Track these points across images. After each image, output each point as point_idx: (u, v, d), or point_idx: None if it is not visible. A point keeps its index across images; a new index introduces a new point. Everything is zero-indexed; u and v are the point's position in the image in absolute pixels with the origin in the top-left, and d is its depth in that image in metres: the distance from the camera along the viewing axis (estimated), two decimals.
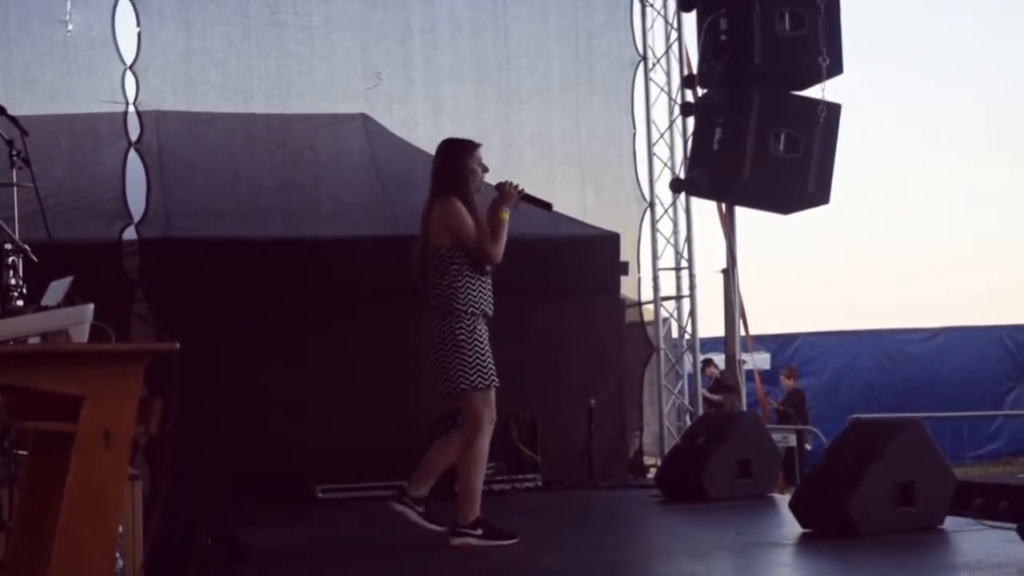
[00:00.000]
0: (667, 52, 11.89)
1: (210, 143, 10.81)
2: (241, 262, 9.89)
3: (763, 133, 10.18)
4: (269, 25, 10.99)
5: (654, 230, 11.81)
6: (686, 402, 11.77)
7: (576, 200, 11.56)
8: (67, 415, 3.79)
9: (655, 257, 11.80)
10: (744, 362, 11.98)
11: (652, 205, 11.87)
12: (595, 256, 11.00)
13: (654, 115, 11.95)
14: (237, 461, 9.42)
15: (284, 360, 9.82)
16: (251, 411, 9.60)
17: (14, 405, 4.58)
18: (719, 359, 13.64)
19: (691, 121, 11.22)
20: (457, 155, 6.86)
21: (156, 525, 4.43)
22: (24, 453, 4.88)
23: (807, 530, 6.99)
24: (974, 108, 31.84)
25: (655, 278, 11.79)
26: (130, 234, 9.98)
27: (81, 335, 3.92)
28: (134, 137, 10.41)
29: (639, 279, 11.83)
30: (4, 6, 10.32)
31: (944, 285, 30.38)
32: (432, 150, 7.15)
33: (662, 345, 11.75)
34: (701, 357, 12.36)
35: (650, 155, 11.94)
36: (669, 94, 11.88)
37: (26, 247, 6.23)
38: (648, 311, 11.88)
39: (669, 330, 11.95)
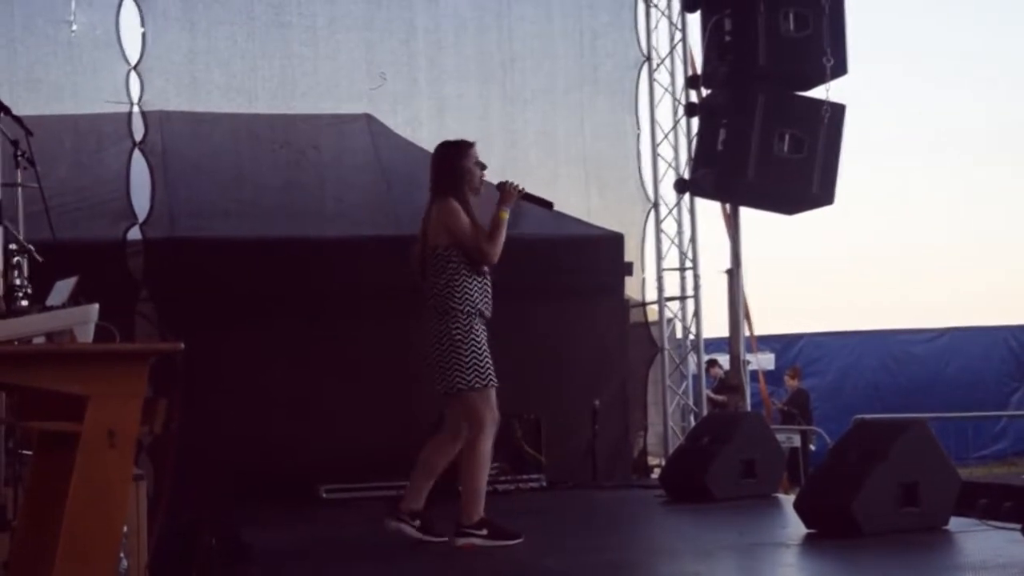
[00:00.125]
0: (671, 52, 11.89)
1: (214, 143, 10.82)
2: (245, 262, 9.89)
3: (767, 133, 10.18)
4: (273, 25, 11.00)
5: (658, 230, 11.81)
6: (690, 402, 11.76)
7: (580, 200, 11.57)
8: (71, 415, 3.79)
9: (659, 257, 11.80)
10: (748, 362, 11.99)
11: (656, 205, 11.86)
12: (599, 256, 11.00)
13: (658, 115, 11.96)
14: (241, 461, 9.42)
15: (288, 360, 9.83)
16: (255, 411, 9.60)
17: (19, 405, 4.59)
18: (723, 359, 13.66)
19: (695, 121, 11.22)
20: (453, 156, 6.88)
21: (160, 525, 4.43)
22: (29, 453, 4.88)
23: (811, 530, 6.98)
24: (976, 108, 31.83)
25: (659, 278, 11.79)
26: (134, 234, 10.00)
27: (86, 335, 3.92)
28: (138, 137, 10.42)
29: (643, 279, 11.83)
30: (9, 6, 10.33)
31: (948, 285, 30.37)
32: (440, 142, 7.17)
33: (666, 345, 11.75)
34: (705, 357, 12.37)
35: (654, 155, 11.93)
36: (673, 94, 11.88)
37: (31, 247, 6.24)
38: (652, 311, 11.88)
39: (673, 330, 11.95)
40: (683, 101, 11.69)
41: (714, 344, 13.78)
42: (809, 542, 6.83)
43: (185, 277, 9.77)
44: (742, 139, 10.25)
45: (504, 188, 6.87)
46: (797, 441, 13.45)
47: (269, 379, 9.71)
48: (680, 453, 9.70)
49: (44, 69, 10.46)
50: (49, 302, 4.40)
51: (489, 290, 6.82)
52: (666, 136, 11.90)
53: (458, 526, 6.68)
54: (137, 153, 10.39)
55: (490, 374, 6.68)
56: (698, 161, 10.93)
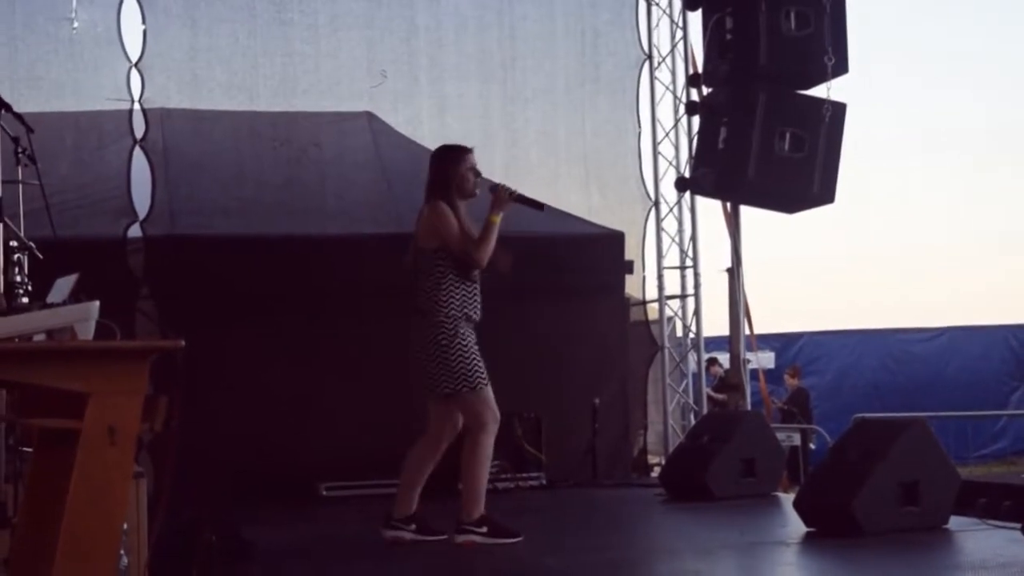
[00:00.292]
0: (672, 51, 11.89)
1: (215, 141, 10.82)
2: (246, 260, 9.90)
3: (768, 132, 10.18)
4: (275, 23, 11.00)
5: (659, 229, 11.81)
6: (690, 401, 11.77)
7: (581, 199, 11.58)
8: (72, 412, 3.79)
9: (660, 256, 11.80)
10: (748, 361, 11.99)
11: (657, 204, 11.86)
12: (600, 255, 11.00)
13: (659, 114, 11.96)
14: (241, 459, 9.43)
15: (289, 357, 9.83)
16: (256, 408, 9.60)
17: (19, 402, 4.59)
18: (723, 358, 13.66)
19: (696, 120, 11.21)
20: (447, 161, 6.89)
21: (161, 523, 4.43)
22: (29, 450, 4.88)
23: (811, 529, 6.99)
24: (977, 108, 31.86)
25: (660, 277, 11.79)
26: (135, 231, 10.00)
27: (86, 332, 3.92)
28: (139, 135, 10.42)
29: (644, 278, 11.82)
30: (10, 3, 10.33)
31: (948, 285, 30.41)
32: (439, 145, 7.18)
33: (666, 344, 11.75)
34: (705, 356, 12.37)
35: (655, 154, 11.93)
36: (674, 93, 11.88)
37: (31, 244, 6.25)
38: (653, 310, 11.89)
39: (674, 329, 11.95)
40: (684, 99, 11.69)
41: (714, 343, 13.79)
42: (809, 541, 6.83)
43: (186, 275, 9.77)
44: (743, 138, 10.24)
45: (496, 192, 6.87)
46: (797, 440, 13.45)
47: (270, 377, 9.71)
48: (680, 452, 9.70)
49: (45, 66, 10.46)
50: (50, 299, 4.40)
51: (478, 295, 6.81)
52: (667, 135, 11.90)
53: (458, 523, 6.69)
54: (138, 150, 10.39)
55: (479, 376, 6.67)
56: (699, 160, 10.93)
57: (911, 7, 31.47)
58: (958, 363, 22.59)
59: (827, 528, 6.89)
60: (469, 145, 7.12)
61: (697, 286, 11.67)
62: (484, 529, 6.68)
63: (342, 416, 9.81)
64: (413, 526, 6.82)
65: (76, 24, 10.40)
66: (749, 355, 12.04)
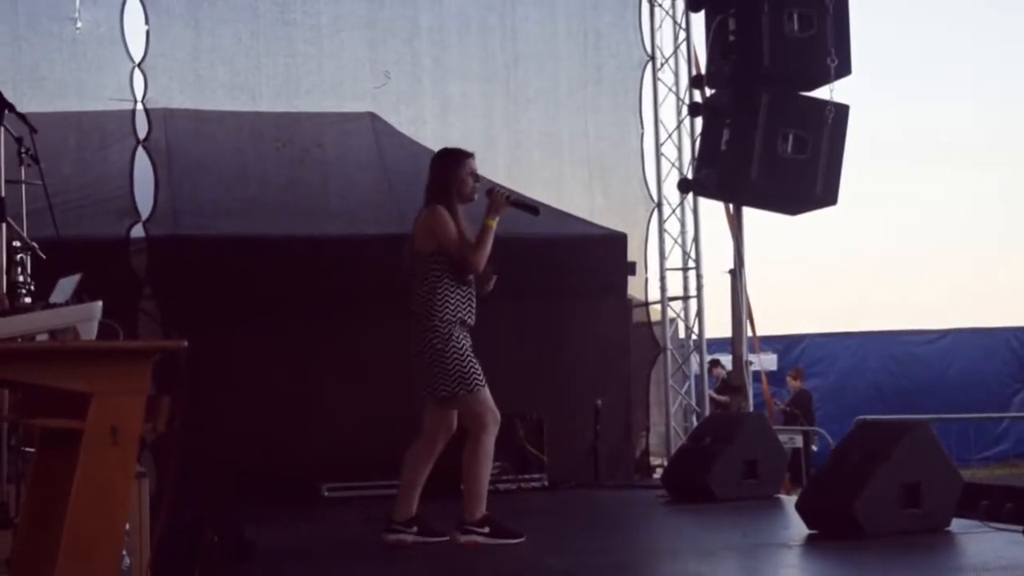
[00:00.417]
0: (675, 52, 11.89)
1: (218, 141, 10.82)
2: (248, 260, 9.90)
3: (771, 134, 10.17)
4: (278, 23, 10.99)
5: (661, 230, 11.81)
6: (693, 403, 11.76)
7: (584, 200, 11.58)
8: (74, 412, 3.79)
9: (662, 257, 11.79)
10: (751, 363, 11.98)
11: (660, 205, 11.86)
12: (602, 256, 11.01)
13: (662, 115, 11.94)
14: (243, 459, 9.43)
15: (291, 358, 9.84)
16: (258, 409, 9.61)
17: (22, 402, 4.59)
18: (726, 360, 13.64)
19: (699, 121, 11.20)
20: (447, 165, 6.91)
21: (163, 523, 4.43)
22: (32, 450, 4.88)
23: (813, 531, 6.99)
24: (980, 109, 31.84)
25: (662, 278, 11.78)
26: (138, 232, 10.01)
27: (89, 332, 3.92)
28: (142, 135, 10.41)
29: (646, 279, 11.81)
30: (13, 3, 10.34)
31: (951, 287, 30.37)
32: (440, 149, 7.19)
33: (669, 345, 11.74)
34: (708, 358, 12.36)
35: (658, 155, 11.93)
36: (677, 94, 11.87)
37: (34, 244, 6.26)
38: (655, 311, 11.88)
39: (676, 330, 11.94)
40: (687, 101, 11.68)
41: (716, 344, 13.78)
42: (811, 543, 6.83)
43: (188, 275, 9.78)
44: (746, 139, 10.24)
45: (492, 196, 6.87)
46: (799, 442, 13.42)
47: (272, 377, 9.72)
48: (682, 453, 9.70)
49: (48, 66, 10.46)
50: (52, 299, 4.40)
51: (473, 299, 6.83)
52: (670, 136, 11.90)
53: (460, 523, 6.70)
54: (141, 151, 10.38)
55: (475, 378, 6.69)
56: (701, 161, 10.93)
57: (912, 8, 31.46)
58: (960, 365, 22.56)
59: (829, 530, 6.89)
60: (472, 146, 7.15)
61: (699, 287, 11.66)
62: (486, 529, 6.68)
63: (344, 417, 9.82)
64: (415, 528, 6.83)
65: (79, 24, 10.40)
66: (751, 357, 12.03)
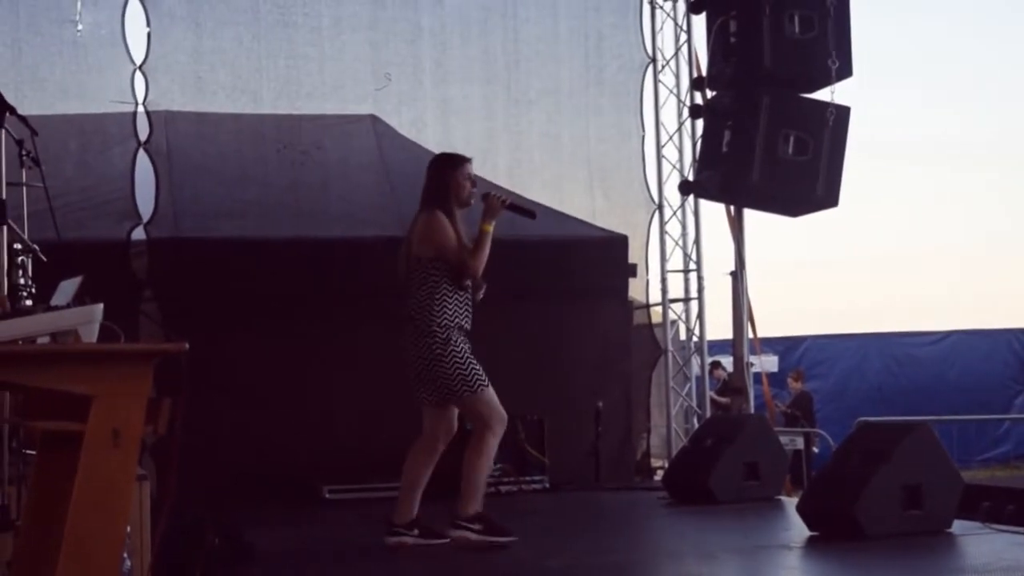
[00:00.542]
0: (676, 54, 11.89)
1: (219, 143, 10.82)
2: (249, 262, 9.91)
3: (772, 135, 10.17)
4: (279, 26, 10.99)
5: (663, 232, 11.81)
6: (694, 404, 11.76)
7: (585, 202, 11.58)
8: (76, 415, 3.79)
9: (663, 259, 11.79)
10: (752, 364, 11.98)
11: (661, 207, 11.86)
12: (603, 258, 11.01)
13: (663, 117, 11.94)
14: (244, 461, 9.44)
15: (292, 360, 9.84)
16: (259, 411, 9.62)
17: (23, 404, 4.59)
18: (727, 361, 13.64)
19: (700, 123, 11.20)
20: (444, 170, 6.91)
21: (164, 525, 4.43)
22: (33, 453, 4.88)
23: (814, 533, 6.99)
24: (982, 110, 31.84)
25: (663, 280, 11.78)
26: (139, 234, 10.01)
27: (90, 335, 3.92)
28: (143, 137, 10.41)
29: (647, 281, 11.82)
30: (14, 5, 10.33)
31: (952, 288, 30.38)
32: (441, 151, 7.20)
33: (670, 347, 11.74)
34: (709, 359, 12.36)
35: (659, 157, 11.93)
36: (678, 96, 11.88)
37: (35, 247, 6.25)
38: (656, 313, 11.88)
39: (677, 332, 11.94)
40: (688, 103, 11.68)
41: (717, 346, 13.77)
42: (812, 545, 6.83)
43: (189, 277, 9.79)
44: (747, 141, 10.24)
45: (488, 200, 6.87)
46: (800, 443, 13.42)
47: (273, 379, 9.73)
48: (683, 455, 9.70)
49: (49, 69, 10.46)
50: (54, 302, 4.40)
51: (470, 304, 6.84)
52: (671, 138, 11.90)
53: (453, 518, 6.70)
54: (142, 153, 10.38)
55: (477, 379, 6.69)
56: (703, 163, 10.93)
57: (912, 9, 31.47)
58: (962, 367, 22.56)
59: (830, 532, 6.89)
60: (473, 148, 7.19)
61: (700, 289, 11.66)
62: (478, 526, 6.69)
63: (345, 419, 9.83)
64: (415, 531, 6.83)
65: (80, 26, 10.40)
66: (752, 358, 12.03)
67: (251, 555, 6.44)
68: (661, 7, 11.92)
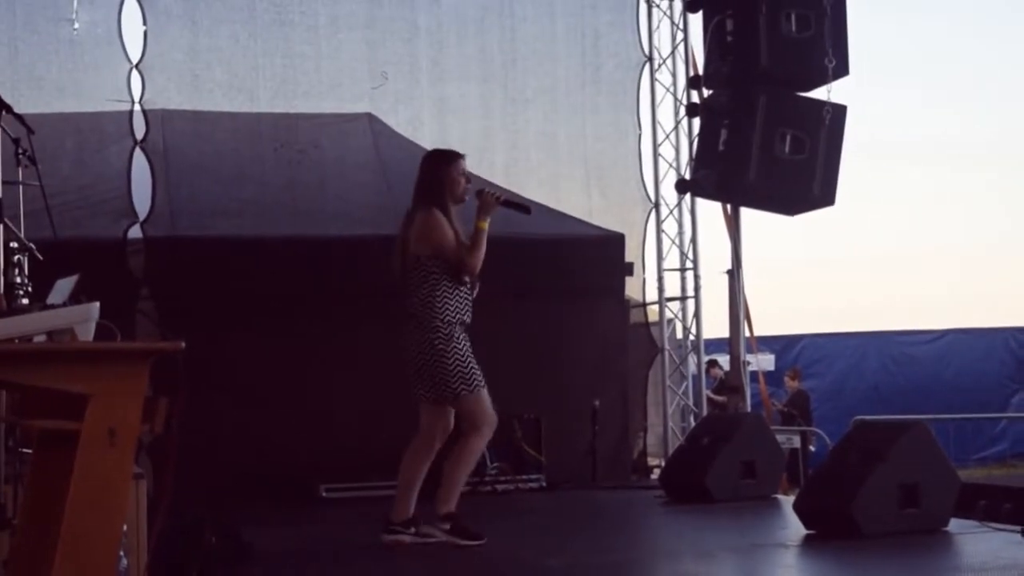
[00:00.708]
0: (673, 53, 11.89)
1: (216, 142, 10.81)
2: (246, 261, 9.89)
3: (769, 134, 10.17)
4: (275, 24, 10.99)
5: (659, 231, 11.80)
6: (690, 403, 11.76)
7: (581, 200, 11.58)
8: (72, 413, 3.79)
9: (660, 258, 11.79)
10: (748, 363, 11.97)
11: (657, 206, 11.85)
12: (600, 257, 11.00)
13: (660, 116, 11.94)
14: (241, 460, 9.43)
15: (289, 359, 9.83)
16: (256, 410, 9.61)
17: (19, 403, 4.58)
18: (723, 360, 13.65)
19: (697, 122, 11.20)
20: (439, 166, 6.91)
21: (161, 524, 4.43)
22: (29, 451, 4.88)
23: (811, 531, 6.99)
24: (981, 110, 31.85)
25: (660, 279, 11.78)
26: (135, 233, 10.00)
27: (87, 333, 3.92)
28: (140, 136, 10.41)
29: (644, 280, 11.81)
30: (10, 4, 10.32)
31: (949, 287, 30.41)
32: (430, 150, 7.20)
33: (666, 346, 11.74)
34: (705, 358, 12.36)
35: (655, 156, 11.92)
36: (675, 95, 11.88)
37: (32, 245, 6.25)
38: (653, 312, 11.88)
39: (674, 331, 11.94)
40: (684, 101, 11.68)
41: (714, 345, 13.78)
42: (809, 543, 6.84)
43: (186, 276, 9.77)
44: (743, 140, 10.24)
45: (482, 197, 6.87)
46: (797, 442, 13.45)
47: (269, 378, 9.72)
48: (680, 454, 9.70)
49: (46, 67, 10.45)
50: (50, 300, 4.40)
51: (470, 299, 6.84)
52: (667, 136, 11.90)
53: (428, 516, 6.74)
54: (138, 151, 10.38)
55: (476, 378, 6.72)
56: (699, 161, 10.93)
57: (912, 8, 31.49)
58: (958, 365, 22.59)
59: (827, 530, 6.90)
60: (470, 147, 7.20)
61: (697, 288, 11.66)
62: (447, 526, 6.71)
63: (342, 417, 9.82)
64: (412, 529, 6.83)
65: (77, 25, 10.39)
66: (749, 357, 12.02)
67: (249, 554, 6.44)
68: (658, 5, 11.92)
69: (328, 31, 11.14)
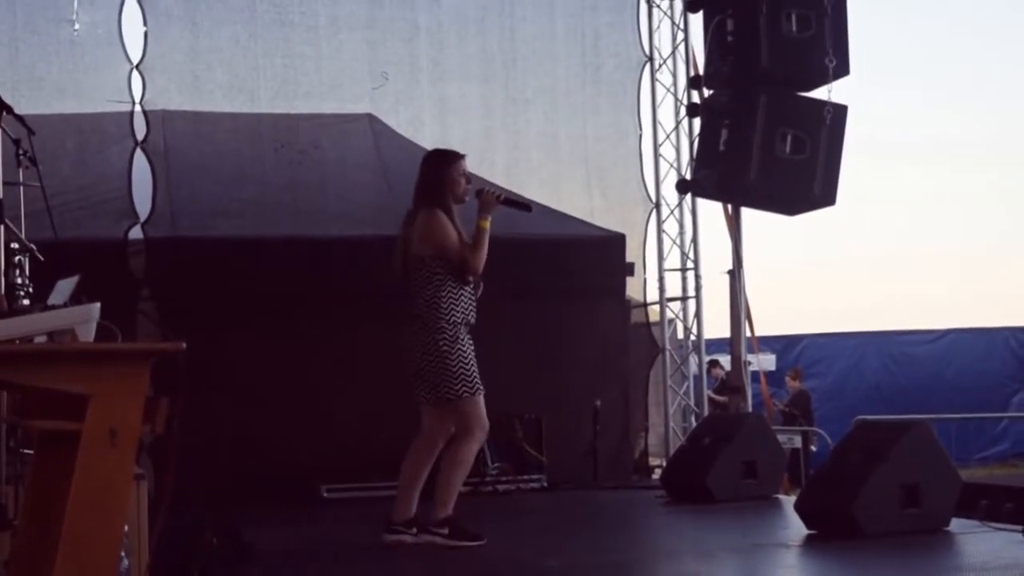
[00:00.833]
0: (673, 53, 11.88)
1: (216, 143, 10.82)
2: (247, 261, 9.90)
3: (769, 134, 10.17)
4: (276, 25, 10.99)
5: (660, 231, 11.80)
6: (691, 403, 11.76)
7: (582, 201, 11.58)
8: (73, 414, 3.79)
9: (661, 258, 11.78)
10: (749, 363, 11.97)
11: (658, 206, 11.85)
12: (601, 257, 11.00)
13: (660, 116, 11.93)
14: (242, 460, 9.44)
15: (289, 359, 9.83)
16: (256, 410, 9.61)
17: (20, 404, 4.59)
18: (725, 360, 13.64)
19: (697, 122, 11.20)
20: (440, 166, 6.90)
21: (161, 524, 4.43)
22: (30, 452, 4.88)
23: (812, 531, 6.99)
24: (981, 110, 31.85)
25: (661, 279, 11.77)
26: (136, 233, 10.00)
27: (87, 334, 3.92)
28: (140, 136, 10.41)
29: (645, 280, 11.81)
30: (11, 5, 10.32)
31: (950, 287, 30.40)
32: (430, 150, 7.20)
33: (667, 346, 11.74)
34: (707, 358, 12.35)
35: (656, 156, 11.92)
36: (675, 95, 11.87)
37: (32, 246, 6.25)
38: (654, 312, 11.87)
39: (675, 331, 11.93)
40: (685, 101, 11.67)
41: (715, 345, 13.77)
42: (810, 543, 6.83)
43: (187, 276, 9.77)
44: (744, 140, 10.24)
45: (483, 196, 6.87)
46: (798, 442, 13.44)
47: (270, 378, 9.72)
48: (681, 454, 9.69)
49: (46, 68, 10.45)
50: (51, 301, 4.40)
51: (474, 299, 6.84)
52: (668, 136, 11.89)
53: (424, 521, 6.77)
54: (139, 152, 10.38)
55: (477, 382, 6.73)
56: (700, 161, 10.92)
57: (912, 8, 31.49)
58: (959, 365, 22.59)
59: (828, 530, 6.89)
60: (470, 147, 7.19)
61: (698, 288, 11.65)
62: (445, 530, 6.71)
63: (343, 418, 9.82)
64: (414, 529, 6.83)
65: (77, 26, 10.39)
66: (750, 357, 12.02)
67: (250, 554, 6.43)
68: (658, 6, 11.91)
69: (328, 31, 11.14)
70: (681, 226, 11.75)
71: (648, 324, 11.88)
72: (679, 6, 11.75)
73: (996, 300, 29.49)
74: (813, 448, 14.54)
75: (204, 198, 10.48)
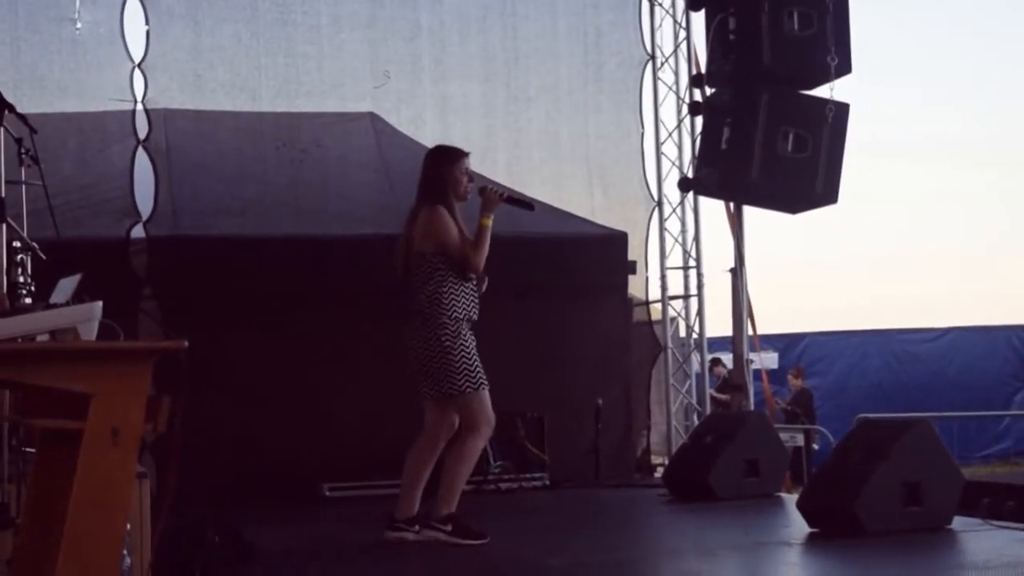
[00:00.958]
0: (675, 51, 11.88)
1: (218, 141, 10.82)
2: (249, 260, 9.90)
3: (771, 132, 10.17)
4: (277, 23, 10.99)
5: (662, 229, 11.80)
6: (694, 401, 11.76)
7: (584, 199, 11.58)
8: (75, 413, 3.79)
9: (663, 256, 11.78)
10: (752, 361, 11.98)
11: (660, 204, 11.85)
12: (603, 255, 11.00)
13: (662, 114, 11.93)
14: (244, 459, 9.43)
15: (292, 358, 9.83)
16: (259, 409, 9.61)
17: (23, 402, 4.59)
18: (727, 358, 13.65)
19: (699, 120, 11.20)
20: (442, 164, 6.91)
21: (164, 523, 4.43)
22: (32, 450, 4.88)
23: (814, 529, 6.99)
24: (982, 109, 31.83)
25: (663, 277, 11.77)
26: (138, 232, 10.00)
27: (90, 333, 3.92)
28: (142, 135, 10.40)
29: (647, 278, 11.81)
30: (13, 4, 10.33)
31: (951, 285, 30.39)
32: (433, 146, 7.21)
33: (670, 344, 11.74)
34: (709, 356, 12.36)
35: (658, 154, 11.91)
36: (677, 93, 11.86)
37: (34, 245, 6.25)
38: (656, 310, 11.87)
39: (677, 329, 11.93)
40: (687, 100, 11.67)
41: (717, 343, 13.79)
42: (812, 541, 6.83)
43: (189, 275, 9.78)
44: (746, 138, 10.24)
45: (485, 194, 6.87)
46: (800, 440, 13.43)
47: (273, 377, 9.72)
48: (683, 452, 9.70)
49: (48, 67, 10.45)
50: (53, 300, 4.40)
51: (476, 295, 6.84)
52: (670, 135, 11.89)
53: (427, 518, 6.75)
54: (141, 151, 10.37)
55: (480, 377, 6.73)
56: (702, 160, 10.93)
57: (912, 8, 31.48)
58: (961, 363, 22.57)
59: (830, 528, 6.89)
60: (472, 145, 7.18)
61: (700, 286, 11.66)
62: (449, 527, 6.71)
63: (345, 416, 9.82)
64: (416, 527, 6.83)
65: (79, 25, 10.39)
66: (752, 355, 12.02)
67: (252, 553, 6.43)
68: (660, 4, 11.91)
69: (330, 30, 11.14)
70: (683, 224, 11.75)
71: (650, 322, 11.88)
72: (681, 4, 11.75)
73: (997, 299, 29.50)
74: (815, 446, 14.52)
75: (206, 197, 10.48)
